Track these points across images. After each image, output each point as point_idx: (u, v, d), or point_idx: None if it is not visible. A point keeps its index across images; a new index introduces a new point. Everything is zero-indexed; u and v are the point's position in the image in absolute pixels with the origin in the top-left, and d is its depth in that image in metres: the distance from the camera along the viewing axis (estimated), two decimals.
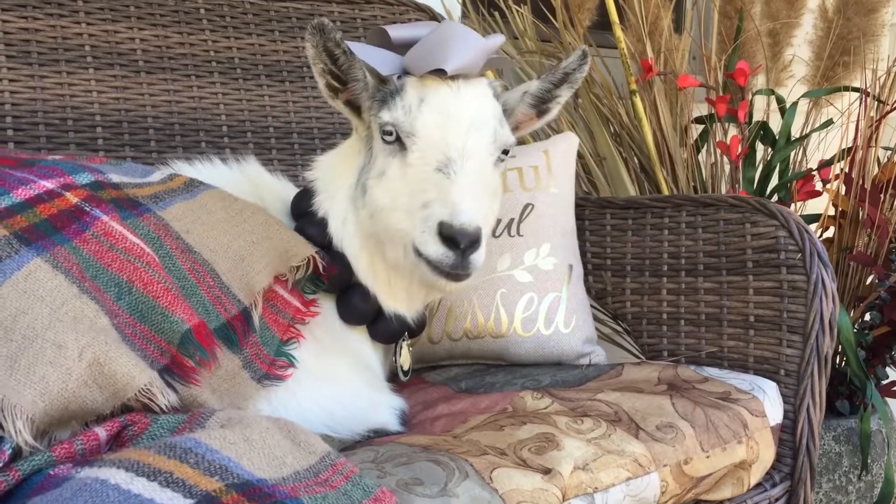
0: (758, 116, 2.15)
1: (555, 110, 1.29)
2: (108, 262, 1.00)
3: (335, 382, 1.22)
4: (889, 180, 1.98)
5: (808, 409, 1.36)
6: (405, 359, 1.36)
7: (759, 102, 2.24)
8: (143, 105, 1.64)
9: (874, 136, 2.06)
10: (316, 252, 1.22)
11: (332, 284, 1.25)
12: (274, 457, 0.85)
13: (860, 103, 2.08)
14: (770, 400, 1.33)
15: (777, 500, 1.36)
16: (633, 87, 1.99)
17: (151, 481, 0.76)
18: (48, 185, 1.02)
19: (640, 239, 1.63)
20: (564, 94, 1.28)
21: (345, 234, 1.26)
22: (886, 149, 2.12)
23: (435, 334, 1.53)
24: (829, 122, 2.13)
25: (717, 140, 2.05)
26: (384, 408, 1.25)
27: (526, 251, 1.56)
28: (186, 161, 1.36)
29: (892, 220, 1.94)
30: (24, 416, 0.83)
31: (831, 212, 2.07)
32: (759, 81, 2.36)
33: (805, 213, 2.14)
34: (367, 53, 1.21)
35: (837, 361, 2.02)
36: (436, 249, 1.10)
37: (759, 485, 1.34)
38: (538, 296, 1.53)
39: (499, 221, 1.58)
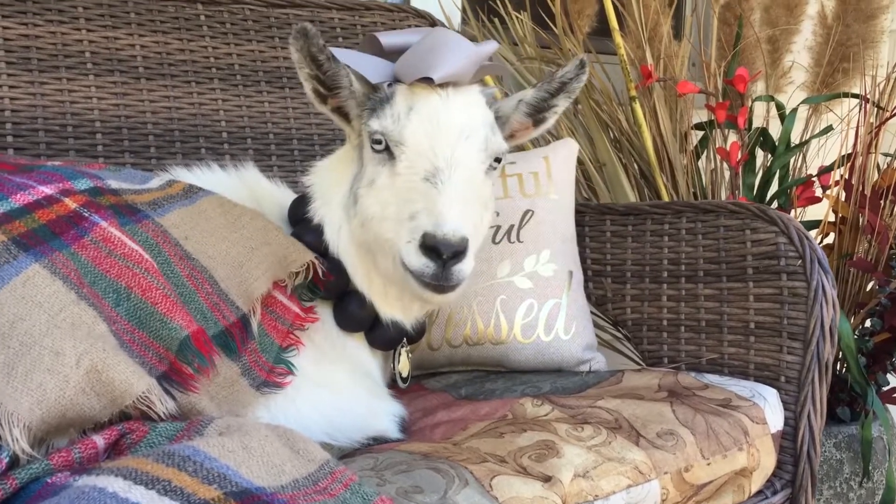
0: (757, 123, 2.15)
1: (551, 120, 1.28)
2: (106, 269, 1.00)
3: (334, 389, 1.22)
4: (889, 186, 1.98)
5: (808, 416, 1.36)
6: (404, 366, 1.35)
7: (759, 109, 2.24)
8: (143, 111, 1.64)
9: (874, 143, 2.06)
10: (315, 258, 1.21)
11: (328, 291, 1.24)
12: (273, 465, 0.84)
13: (860, 109, 2.08)
14: (771, 407, 1.33)
15: None
16: (633, 93, 1.99)
17: (150, 489, 0.76)
18: (47, 190, 1.02)
19: (640, 245, 1.63)
20: (561, 104, 1.27)
21: (340, 241, 1.25)
22: (886, 155, 2.12)
23: (434, 341, 1.53)
24: (829, 129, 2.13)
25: (717, 146, 2.05)
26: (384, 415, 1.24)
27: (526, 257, 1.56)
28: (185, 167, 1.36)
29: (893, 227, 1.94)
30: (21, 424, 0.83)
31: (831, 218, 2.07)
32: (759, 88, 2.36)
33: (805, 219, 2.14)
34: (357, 61, 1.20)
35: (838, 368, 2.01)
36: (417, 260, 1.08)
37: (759, 492, 1.34)
38: (538, 302, 1.53)
39: (498, 228, 1.57)
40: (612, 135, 2.09)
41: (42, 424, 0.85)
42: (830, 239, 2.09)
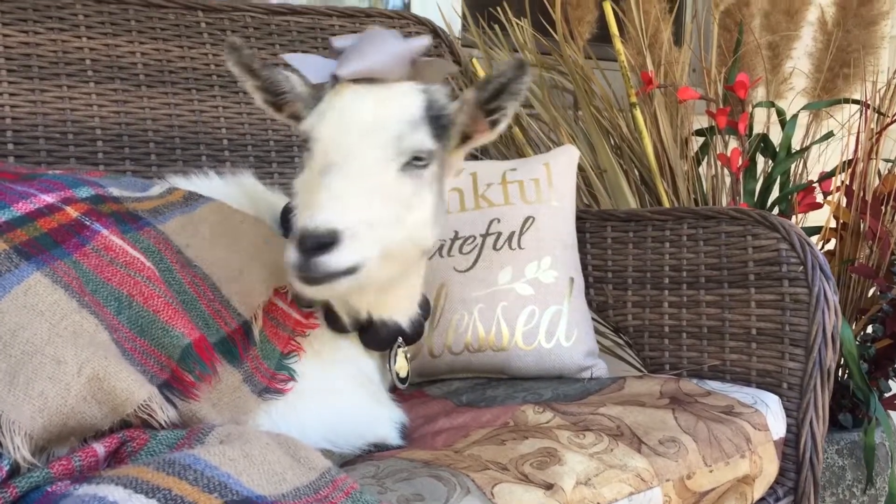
0: (758, 129, 2.15)
1: (502, 123, 1.23)
2: (108, 277, 1.00)
3: (335, 395, 1.22)
4: (890, 192, 1.98)
5: (811, 423, 1.36)
6: (401, 366, 1.33)
7: (759, 115, 2.24)
8: (144, 119, 1.64)
9: (875, 148, 2.06)
10: None
11: None
12: (274, 473, 0.84)
13: (860, 115, 2.08)
14: (773, 413, 1.33)
15: None
16: (634, 99, 1.99)
17: (150, 498, 0.75)
18: (48, 198, 1.02)
19: (641, 251, 1.62)
20: (508, 106, 1.21)
21: None
22: (887, 161, 2.12)
23: (436, 348, 1.52)
24: (830, 135, 2.13)
25: (718, 152, 2.05)
26: (385, 421, 1.24)
27: (527, 264, 1.55)
28: (182, 175, 1.36)
29: (894, 233, 1.94)
30: (22, 432, 0.83)
31: (832, 224, 2.07)
32: (759, 94, 2.36)
33: (806, 225, 2.13)
34: (304, 63, 1.20)
35: (840, 374, 2.01)
36: (289, 252, 1.04)
37: (762, 499, 1.33)
38: (539, 309, 1.52)
39: (499, 234, 1.57)
40: (612, 141, 2.09)
41: (43, 433, 0.85)
42: (832, 245, 2.09)
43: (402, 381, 1.34)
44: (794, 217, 2.05)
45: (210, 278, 1.10)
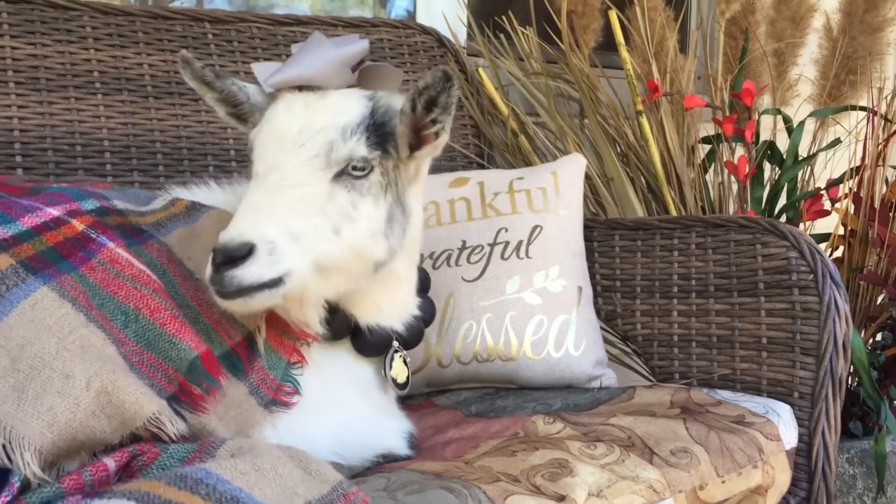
0: (764, 136, 2.15)
1: (442, 136, 1.18)
2: (114, 290, 1.00)
3: (341, 407, 1.21)
4: None
5: (823, 432, 1.35)
6: (399, 371, 1.30)
7: (766, 122, 2.24)
8: (152, 130, 1.64)
9: (882, 155, 2.05)
10: None
11: None
12: (285, 487, 0.84)
13: (867, 122, 2.07)
14: (785, 423, 1.32)
15: None
16: (640, 107, 1.99)
17: None
18: (54, 212, 1.02)
19: (649, 260, 1.62)
20: (441, 119, 1.16)
21: None
22: (895, 167, 2.11)
23: (444, 358, 1.52)
24: (837, 142, 2.13)
25: (725, 160, 2.05)
26: (392, 432, 1.23)
27: (535, 273, 1.55)
28: (183, 185, 1.36)
29: None
30: (32, 448, 0.83)
31: (840, 231, 2.06)
32: (765, 101, 2.36)
33: (813, 232, 2.13)
34: (263, 71, 1.19)
35: (850, 382, 2.00)
36: (208, 267, 1.03)
37: None
38: (548, 318, 1.52)
39: (507, 244, 1.57)
40: (619, 149, 2.09)
41: (53, 448, 0.85)
42: (840, 252, 2.08)
43: (401, 386, 1.31)
44: (801, 224, 2.05)
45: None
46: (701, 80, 2.52)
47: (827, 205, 2.06)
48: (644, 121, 1.99)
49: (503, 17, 2.17)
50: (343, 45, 1.18)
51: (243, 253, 1.00)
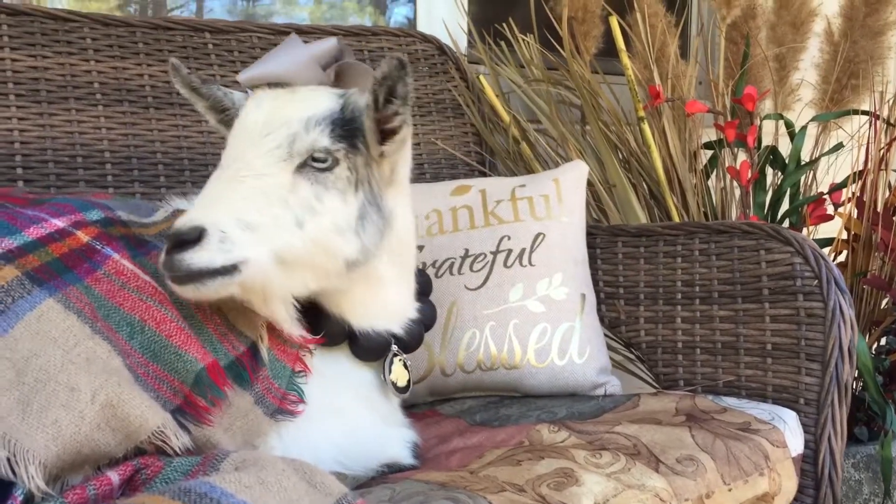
0: (766, 141, 2.14)
1: (405, 129, 1.17)
2: (119, 302, 0.99)
3: (344, 416, 1.20)
4: None
5: (829, 439, 1.34)
6: (399, 375, 1.29)
7: (767, 127, 2.24)
8: (152, 141, 1.64)
9: (884, 159, 2.05)
10: None
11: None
12: (290, 500, 0.83)
13: (870, 126, 2.07)
14: (791, 430, 1.31)
15: None
16: (641, 113, 1.99)
17: None
18: (59, 223, 1.01)
19: (652, 267, 1.61)
20: (401, 110, 1.15)
21: None
22: None
23: (448, 366, 1.51)
24: (840, 146, 2.12)
25: (728, 165, 2.04)
26: (396, 441, 1.23)
27: (538, 281, 1.54)
28: (184, 196, 1.35)
29: None
30: (36, 461, 0.82)
31: (844, 235, 2.06)
32: (767, 106, 2.36)
33: (817, 236, 2.12)
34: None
35: (855, 387, 1.99)
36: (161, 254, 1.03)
37: None
38: (551, 326, 1.52)
39: (509, 251, 1.56)
40: (620, 155, 2.09)
41: (57, 461, 0.85)
42: (843, 257, 2.08)
43: (402, 390, 1.30)
44: (805, 229, 2.04)
45: (215, 301, 1.09)
46: (702, 86, 2.52)
47: (830, 209, 2.05)
48: (646, 127, 1.99)
49: (504, 25, 2.17)
50: (315, 44, 1.19)
51: (194, 237, 0.99)
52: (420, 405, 1.53)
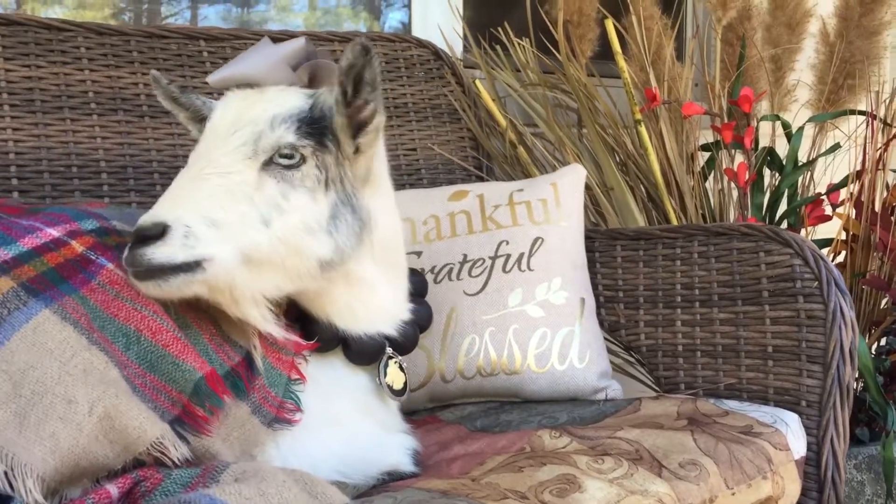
0: (762, 142, 2.14)
1: (377, 116, 1.16)
2: (114, 312, 0.99)
3: (342, 424, 1.20)
4: None
5: (831, 441, 1.34)
6: (395, 378, 1.27)
7: (764, 128, 2.24)
8: (148, 150, 1.63)
9: (882, 159, 2.05)
10: None
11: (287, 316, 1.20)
12: None
13: (867, 126, 2.07)
14: (793, 432, 1.31)
15: None
16: (638, 116, 1.99)
17: None
18: (54, 232, 1.01)
19: (652, 270, 1.61)
20: (370, 98, 1.14)
21: None
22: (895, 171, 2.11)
23: (448, 373, 1.51)
24: (837, 146, 2.12)
25: (725, 167, 2.04)
26: (396, 448, 1.22)
27: (537, 286, 1.54)
28: None
29: None
30: (34, 475, 0.82)
31: (842, 236, 2.05)
32: (763, 107, 2.35)
33: (815, 237, 2.12)
34: None
35: (856, 388, 1.99)
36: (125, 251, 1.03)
37: None
38: (551, 331, 1.51)
39: (508, 256, 1.56)
40: (618, 158, 2.08)
41: (55, 474, 0.84)
42: (842, 257, 2.08)
43: (398, 393, 1.28)
44: (803, 230, 2.04)
45: (209, 311, 1.08)
46: (698, 88, 2.52)
47: (828, 210, 2.05)
48: (643, 129, 1.98)
49: (499, 29, 2.17)
50: (284, 44, 1.19)
51: (156, 233, 0.99)
52: (420, 411, 1.52)
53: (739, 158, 2.06)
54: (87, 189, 1.56)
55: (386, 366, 1.26)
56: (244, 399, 1.06)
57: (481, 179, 1.96)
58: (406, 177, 1.92)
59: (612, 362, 1.63)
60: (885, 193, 2.05)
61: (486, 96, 2.03)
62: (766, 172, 2.12)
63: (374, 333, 1.24)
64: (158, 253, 0.99)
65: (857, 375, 1.91)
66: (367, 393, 1.26)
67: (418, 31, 2.26)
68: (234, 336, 1.10)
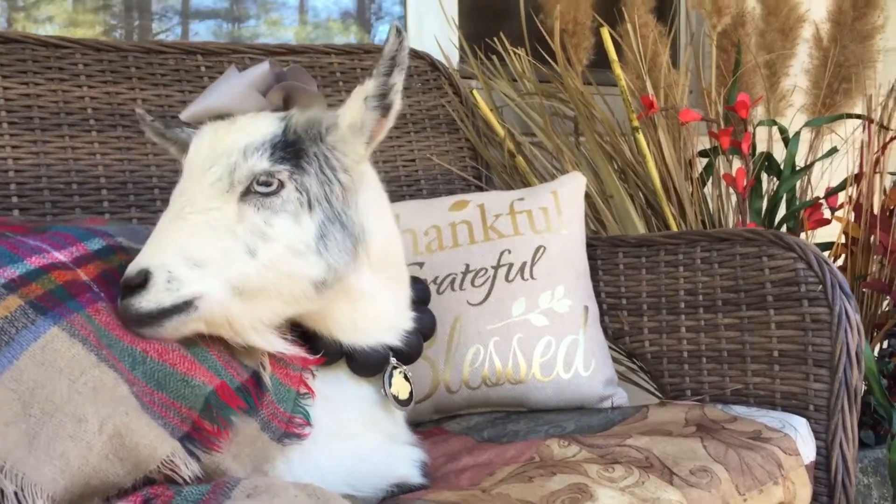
0: (759, 147, 2.15)
1: (397, 101, 1.17)
2: (119, 334, 0.98)
3: (350, 437, 1.19)
4: None
5: (841, 445, 1.33)
6: (400, 388, 1.26)
7: (760, 133, 2.24)
8: (148, 165, 1.62)
9: (879, 162, 2.05)
10: None
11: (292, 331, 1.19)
12: None
13: (863, 129, 2.07)
14: (802, 437, 1.31)
15: None
16: (636, 123, 1.99)
17: None
18: (61, 257, 1.00)
19: (654, 277, 1.61)
20: (398, 80, 1.16)
21: None
22: (893, 174, 2.12)
23: (453, 383, 1.50)
24: (834, 150, 2.13)
25: (724, 173, 2.05)
26: (404, 460, 1.21)
27: (541, 294, 1.54)
28: None
29: None
30: (44, 494, 0.81)
31: (842, 240, 2.06)
32: (758, 112, 2.36)
33: (814, 241, 2.12)
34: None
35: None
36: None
37: None
38: (555, 339, 1.51)
39: (511, 265, 1.56)
40: (615, 166, 2.09)
41: (66, 494, 0.83)
42: (842, 261, 2.08)
43: (404, 403, 1.27)
44: (802, 234, 2.04)
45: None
46: (692, 94, 2.53)
47: (827, 214, 2.06)
48: (640, 137, 1.99)
49: (494, 39, 2.17)
50: (249, 71, 1.19)
51: (139, 281, 1.00)
52: (425, 423, 1.52)
53: (737, 164, 2.07)
54: (87, 205, 1.55)
55: (391, 376, 1.26)
56: (253, 416, 1.05)
57: (480, 189, 1.95)
58: (405, 188, 1.92)
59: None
60: (883, 196, 2.05)
61: (484, 106, 2.03)
62: (763, 177, 2.13)
63: (377, 345, 1.23)
64: (145, 302, 1.00)
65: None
66: (372, 405, 1.26)
67: (414, 43, 2.26)
68: (239, 356, 1.09)
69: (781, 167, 2.08)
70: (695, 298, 1.56)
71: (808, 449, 1.31)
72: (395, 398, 1.26)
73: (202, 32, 2.35)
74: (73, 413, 0.85)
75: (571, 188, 1.65)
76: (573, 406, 1.50)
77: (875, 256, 1.99)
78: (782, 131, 2.14)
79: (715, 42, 2.21)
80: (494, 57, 2.17)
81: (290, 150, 1.12)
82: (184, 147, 1.22)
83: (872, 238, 1.97)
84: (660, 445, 1.22)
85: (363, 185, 1.20)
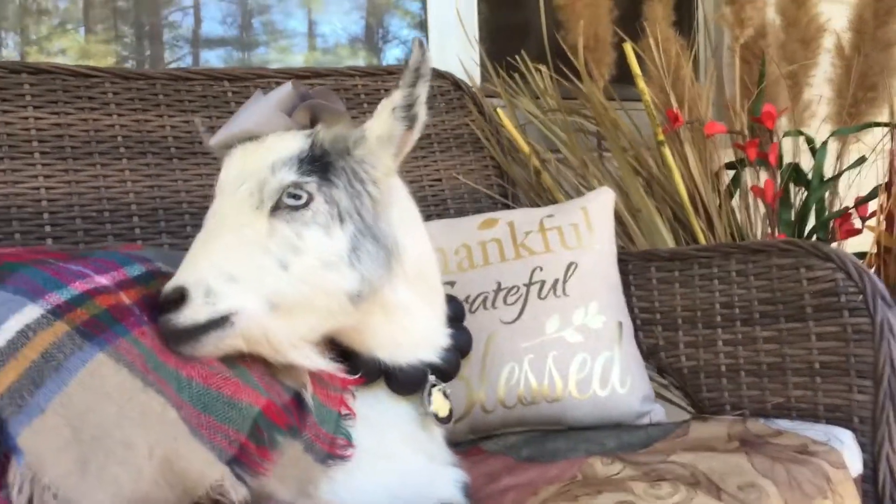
0: (784, 158, 2.14)
1: (422, 112, 1.18)
2: (164, 358, 0.98)
3: (392, 457, 1.18)
4: None
5: (888, 457, 1.31)
6: (440, 406, 1.25)
7: (785, 144, 2.23)
8: (178, 191, 1.63)
9: None
10: None
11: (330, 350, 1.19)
12: None
13: (892, 138, 2.06)
14: (849, 450, 1.29)
15: None
16: (661, 137, 1.98)
17: None
18: (104, 281, 1.01)
19: (688, 290, 1.59)
20: (422, 91, 1.17)
21: None
22: None
23: (488, 403, 1.49)
24: (863, 159, 2.11)
25: (752, 185, 2.03)
26: (446, 481, 1.20)
27: (574, 311, 1.53)
28: None
29: None
30: None
31: (873, 249, 2.04)
32: (783, 123, 2.35)
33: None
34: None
35: None
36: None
37: None
38: (591, 356, 1.49)
39: (543, 283, 1.55)
40: (641, 180, 2.08)
41: None
42: (873, 270, 2.06)
43: (444, 420, 1.26)
44: (833, 244, 2.02)
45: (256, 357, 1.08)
46: (714, 107, 2.52)
47: (857, 223, 2.04)
48: (666, 150, 1.98)
49: (516, 57, 2.17)
50: (273, 93, 1.20)
51: (176, 297, 1.01)
52: (462, 443, 1.50)
53: (763, 175, 2.05)
54: (119, 233, 1.56)
55: (430, 394, 1.25)
56: (297, 438, 1.05)
57: (507, 207, 1.95)
58: (433, 207, 1.92)
59: None
60: None
61: (508, 124, 2.03)
62: (791, 188, 2.11)
63: (415, 361, 1.22)
64: (182, 317, 1.00)
65: None
66: (412, 423, 1.25)
67: (437, 63, 2.26)
68: (279, 377, 1.09)
69: (809, 177, 2.07)
70: (731, 311, 1.54)
71: (855, 462, 1.29)
72: (436, 416, 1.25)
73: (213, 60, 2.37)
74: (123, 439, 0.85)
75: (601, 203, 1.64)
76: (611, 423, 1.48)
77: None
78: (809, 141, 2.12)
79: (738, 54, 2.21)
80: (516, 75, 2.17)
81: (318, 163, 1.13)
82: None
83: None
84: (705, 461, 1.20)
85: (394, 199, 1.21)
